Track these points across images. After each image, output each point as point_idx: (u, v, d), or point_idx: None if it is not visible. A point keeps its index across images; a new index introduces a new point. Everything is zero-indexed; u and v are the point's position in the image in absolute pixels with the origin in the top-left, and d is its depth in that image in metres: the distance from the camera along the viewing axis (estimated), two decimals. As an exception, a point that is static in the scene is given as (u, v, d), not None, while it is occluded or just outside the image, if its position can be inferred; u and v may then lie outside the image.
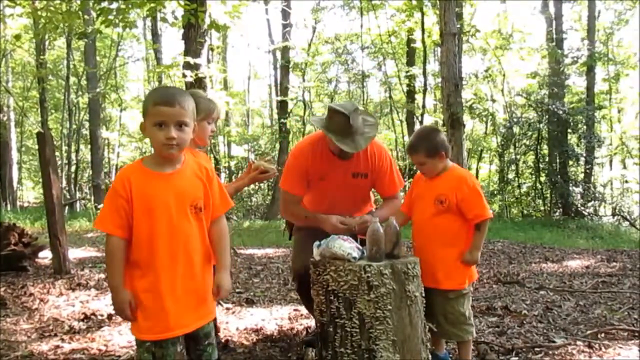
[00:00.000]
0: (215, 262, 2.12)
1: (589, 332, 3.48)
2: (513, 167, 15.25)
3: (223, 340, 3.30)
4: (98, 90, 18.60)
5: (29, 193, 29.08)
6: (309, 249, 2.67)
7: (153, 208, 1.95)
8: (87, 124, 20.45)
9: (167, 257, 1.95)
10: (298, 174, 3.08)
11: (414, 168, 17.75)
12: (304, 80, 20.00)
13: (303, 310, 3.92)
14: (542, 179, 14.42)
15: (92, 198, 18.38)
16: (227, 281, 2.09)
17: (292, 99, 19.24)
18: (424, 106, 16.54)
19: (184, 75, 8.47)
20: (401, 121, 19.70)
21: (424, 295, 2.56)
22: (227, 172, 20.78)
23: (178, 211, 1.98)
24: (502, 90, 15.80)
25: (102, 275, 5.54)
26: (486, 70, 16.04)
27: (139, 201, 1.93)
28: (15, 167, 20.82)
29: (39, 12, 8.06)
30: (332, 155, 3.05)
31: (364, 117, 3.01)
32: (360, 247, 2.57)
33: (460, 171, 2.83)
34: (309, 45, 20.09)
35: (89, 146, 19.83)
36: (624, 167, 20.18)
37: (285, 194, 3.17)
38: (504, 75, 15.92)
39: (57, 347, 3.31)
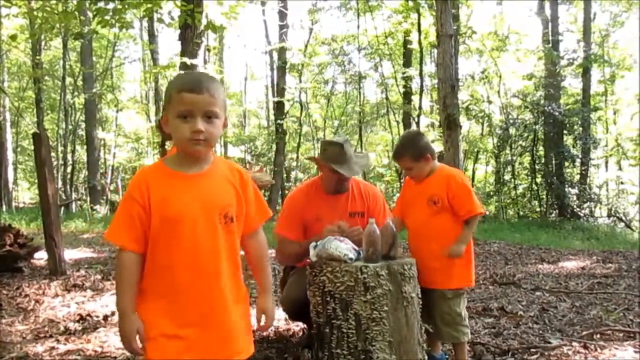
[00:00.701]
0: (257, 284, 1.83)
1: (584, 333, 3.49)
2: (509, 168, 15.30)
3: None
4: (94, 90, 18.56)
5: (25, 194, 29.00)
6: (303, 284, 2.68)
7: (174, 216, 1.62)
8: (83, 125, 20.39)
9: (187, 277, 1.62)
10: (294, 219, 3.12)
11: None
12: (300, 81, 19.98)
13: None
14: (538, 180, 14.46)
15: (88, 199, 18.34)
16: (272, 307, 1.79)
17: (288, 100, 19.22)
18: (420, 107, 16.56)
19: (181, 76, 8.44)
20: (398, 122, 19.70)
21: (420, 296, 2.57)
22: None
23: (205, 221, 1.64)
24: (498, 92, 15.84)
25: (98, 276, 5.53)
26: (482, 72, 16.08)
27: (157, 207, 1.61)
28: (10, 168, 20.77)
29: (35, 13, 8.04)
30: (327, 196, 3.14)
31: (356, 153, 3.18)
32: (357, 248, 2.58)
33: (448, 170, 2.85)
34: (306, 46, 20.08)
35: (85, 147, 19.80)
36: (620, 169, 20.26)
37: (281, 238, 3.16)
38: (500, 76, 15.96)
39: (53, 348, 3.29)
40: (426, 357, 2.60)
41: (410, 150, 2.79)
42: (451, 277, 2.72)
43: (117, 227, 1.63)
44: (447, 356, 2.96)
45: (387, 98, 19.60)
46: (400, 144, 2.90)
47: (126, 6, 7.45)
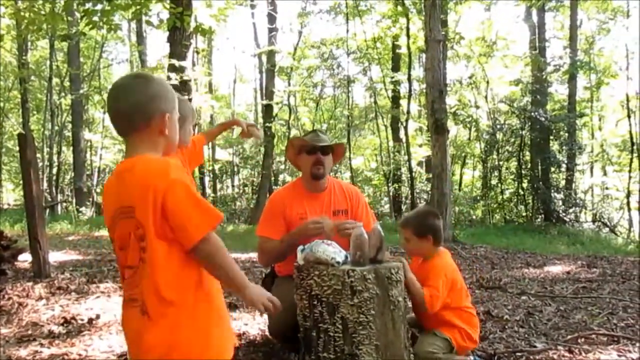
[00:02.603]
0: None
1: (569, 337, 3.51)
2: (496, 173, 15.40)
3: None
4: (81, 91, 18.42)
5: (9, 195, 28.66)
6: (287, 308, 2.67)
7: None
8: (69, 126, 20.24)
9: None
10: (276, 219, 3.09)
11: (398, 172, 17.89)
12: (289, 85, 19.99)
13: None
14: (525, 185, 14.58)
15: (74, 201, 18.17)
16: None
17: (277, 103, 19.22)
18: (408, 112, 16.64)
19: (169, 78, 8.43)
20: (386, 126, 19.79)
21: (407, 300, 2.58)
22: (211, 175, 20.67)
23: None
24: (486, 97, 15.97)
25: (83, 279, 5.47)
26: (470, 77, 16.20)
27: None
28: (-5, 169, 20.52)
29: (22, 13, 7.97)
30: (309, 194, 3.15)
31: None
32: (345, 252, 2.58)
33: (435, 262, 2.80)
34: (295, 49, 20.09)
35: (71, 148, 19.62)
36: (604, 174, 20.49)
37: (262, 238, 3.12)
38: (487, 82, 16.09)
39: (36, 352, 3.25)
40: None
41: (416, 222, 2.81)
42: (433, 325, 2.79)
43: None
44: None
45: (375, 102, 19.67)
46: (412, 214, 2.99)
47: (114, 8, 7.40)
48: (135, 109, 1.65)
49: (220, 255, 1.62)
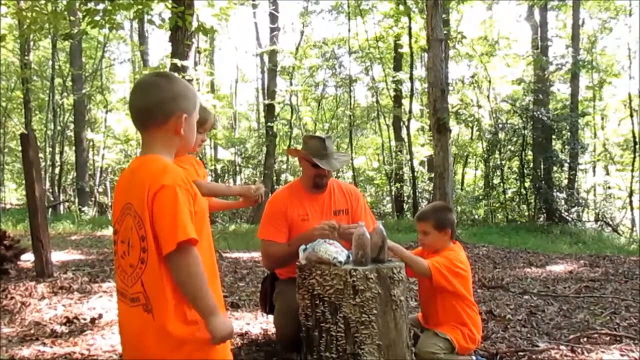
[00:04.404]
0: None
1: (571, 336, 3.51)
2: (498, 172, 15.38)
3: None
4: (83, 91, 18.44)
5: (12, 195, 28.71)
6: (293, 313, 2.66)
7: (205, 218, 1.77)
8: (71, 126, 20.26)
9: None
10: (277, 220, 3.06)
11: (401, 172, 17.89)
12: (291, 84, 19.98)
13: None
14: (527, 184, 14.56)
15: (76, 200, 18.20)
16: None
17: (279, 103, 19.21)
18: (410, 111, 16.63)
19: (171, 78, 8.41)
20: (388, 126, 19.78)
21: (409, 299, 2.58)
22: (213, 175, 20.67)
23: None
24: (488, 96, 15.94)
25: (86, 279, 5.48)
26: (472, 76, 16.17)
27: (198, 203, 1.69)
28: (-3, 169, 20.56)
29: (24, 13, 7.98)
30: (309, 195, 3.11)
31: (337, 151, 3.22)
32: (347, 251, 2.57)
33: (450, 250, 2.86)
34: (297, 49, 20.08)
35: (74, 148, 19.65)
36: (607, 174, 20.46)
37: (265, 242, 3.08)
38: (489, 81, 16.06)
39: (39, 351, 3.26)
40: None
41: (436, 216, 2.85)
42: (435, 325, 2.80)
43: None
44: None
45: (377, 101, 19.66)
46: (429, 208, 3.04)
47: (116, 7, 7.40)
48: (157, 105, 1.68)
49: (187, 274, 1.56)
